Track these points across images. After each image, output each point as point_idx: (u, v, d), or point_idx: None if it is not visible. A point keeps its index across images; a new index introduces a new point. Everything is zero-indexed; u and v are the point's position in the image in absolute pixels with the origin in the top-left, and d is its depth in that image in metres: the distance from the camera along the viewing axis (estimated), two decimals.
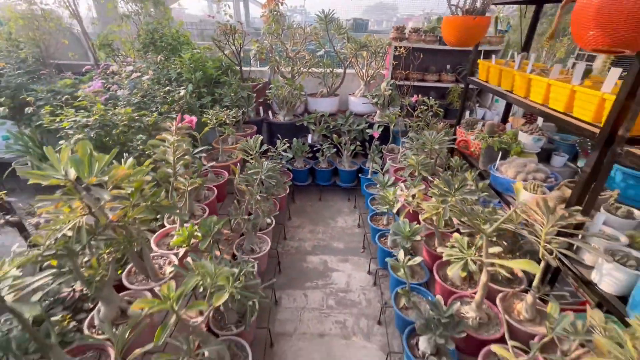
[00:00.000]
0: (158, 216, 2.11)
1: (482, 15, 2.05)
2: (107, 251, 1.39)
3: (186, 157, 1.72)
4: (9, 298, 0.98)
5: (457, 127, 2.98)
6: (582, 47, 1.20)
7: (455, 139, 2.83)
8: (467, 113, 3.20)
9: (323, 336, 2.15)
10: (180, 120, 1.74)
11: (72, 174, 1.21)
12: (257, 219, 2.31)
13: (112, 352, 1.30)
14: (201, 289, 1.34)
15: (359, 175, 3.63)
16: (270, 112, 3.94)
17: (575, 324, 1.18)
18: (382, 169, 3.28)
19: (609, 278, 1.38)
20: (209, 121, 2.79)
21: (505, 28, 3.63)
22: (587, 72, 1.67)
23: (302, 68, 3.88)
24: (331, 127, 3.71)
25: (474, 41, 2.16)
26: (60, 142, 1.96)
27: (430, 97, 3.39)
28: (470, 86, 3.09)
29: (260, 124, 3.88)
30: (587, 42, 1.16)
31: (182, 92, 2.97)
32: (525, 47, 2.60)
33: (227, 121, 2.96)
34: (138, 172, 1.36)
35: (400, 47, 3.84)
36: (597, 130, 1.42)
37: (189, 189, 1.94)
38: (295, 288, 2.53)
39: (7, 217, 2.06)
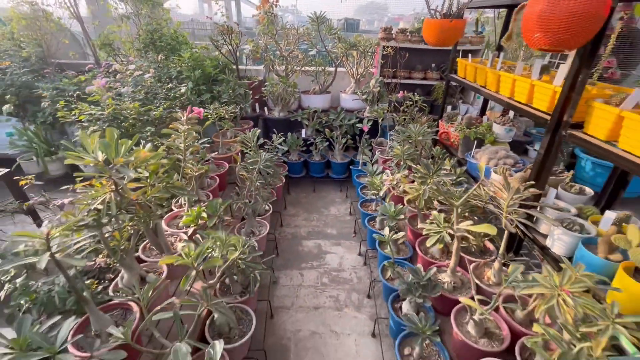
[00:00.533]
0: (171, 199, 2.31)
1: (458, 18, 2.29)
2: (130, 224, 1.60)
3: (195, 144, 1.92)
4: (58, 255, 1.18)
5: (440, 121, 3.24)
6: (530, 46, 1.44)
7: (437, 131, 3.08)
8: (449, 108, 3.46)
9: (318, 308, 2.38)
10: (190, 112, 1.95)
11: (101, 156, 1.41)
12: (256, 204, 2.52)
13: (136, 309, 1.51)
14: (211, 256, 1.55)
15: (350, 167, 3.87)
16: (265, 109, 4.14)
17: (525, 276, 1.42)
18: (371, 161, 3.52)
19: (558, 242, 1.64)
20: (209, 116, 2.99)
21: (480, 30, 3.90)
22: (545, 69, 1.93)
23: (295, 67, 4.10)
24: (324, 122, 3.93)
25: (451, 41, 2.40)
26: (76, 133, 2.15)
27: (416, 94, 3.63)
28: (452, 83, 3.35)
29: (256, 119, 4.09)
30: (533, 42, 1.41)
31: (183, 89, 3.16)
32: (499, 47, 2.86)
33: (226, 116, 3.16)
34: (156, 155, 1.57)
35: (388, 47, 4.09)
36: (549, 117, 1.68)
37: (196, 174, 2.14)
38: (292, 268, 2.76)
39: (30, 202, 2.23)
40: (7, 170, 2.37)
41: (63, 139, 3.90)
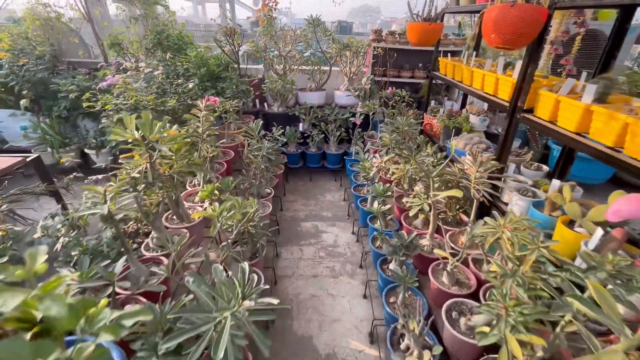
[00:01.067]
0: (190, 174, 2.60)
1: (437, 21, 2.64)
2: (159, 192, 1.89)
3: (211, 127, 2.23)
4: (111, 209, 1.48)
5: (424, 114, 3.59)
6: (489, 45, 1.79)
7: (422, 122, 3.42)
8: (433, 103, 3.81)
9: (316, 277, 2.69)
10: (207, 100, 2.25)
11: (137, 134, 1.71)
12: (260, 186, 2.83)
13: (166, 261, 1.80)
14: (225, 227, 1.86)
15: (344, 157, 4.20)
16: (265, 104, 4.45)
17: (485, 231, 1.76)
18: (363, 151, 3.85)
19: (516, 206, 1.98)
20: (216, 109, 3.29)
21: (462, 32, 4.27)
22: (508, 65, 2.28)
23: (293, 66, 4.42)
24: (319, 116, 4.26)
25: (431, 42, 2.75)
26: (103, 120, 2.44)
27: (405, 91, 3.98)
28: (436, 81, 3.70)
29: (257, 114, 4.40)
30: (490, 41, 1.75)
31: (191, 85, 3.45)
32: (476, 47, 3.22)
33: (231, 109, 3.46)
34: (181, 135, 1.87)
35: (378, 48, 4.43)
36: (508, 105, 2.02)
37: (210, 154, 2.44)
38: (292, 245, 3.06)
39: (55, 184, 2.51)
40: (36, 155, 2.64)
41: (75, 131, 4.16)
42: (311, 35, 4.35)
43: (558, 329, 1.13)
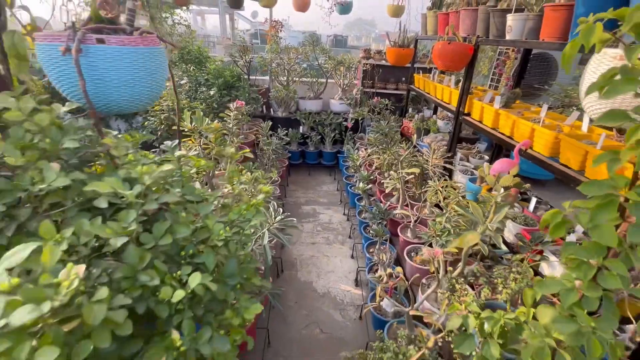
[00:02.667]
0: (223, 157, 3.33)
1: (408, 47, 3.45)
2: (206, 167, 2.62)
3: (239, 124, 2.97)
4: None
5: (404, 119, 4.38)
6: (438, 68, 2.58)
7: (400, 125, 4.21)
8: (410, 110, 4.61)
9: (314, 244, 3.41)
10: (237, 103, 3.01)
11: (189, 125, 2.44)
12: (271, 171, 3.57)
13: None
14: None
15: (338, 155, 4.96)
16: (271, 110, 5.22)
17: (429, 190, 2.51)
18: (353, 149, 4.62)
19: (460, 182, 2.74)
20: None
21: None
22: (458, 81, 3.08)
23: (295, 78, 5.21)
24: (317, 121, 5.03)
25: (405, 62, 3.55)
26: (150, 118, 3.17)
27: (389, 100, 4.77)
28: (412, 93, 4.51)
29: (264, 118, 5.15)
30: (438, 66, 2.54)
31: (212, 92, 4.21)
32: None
33: (244, 112, 4.21)
34: (220, 127, 2.61)
35: (367, 64, 5.25)
36: (455, 109, 2.81)
37: (236, 144, 3.18)
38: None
39: None
40: None
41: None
42: (311, 52, 5.15)
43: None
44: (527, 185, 2.42)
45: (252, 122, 4.93)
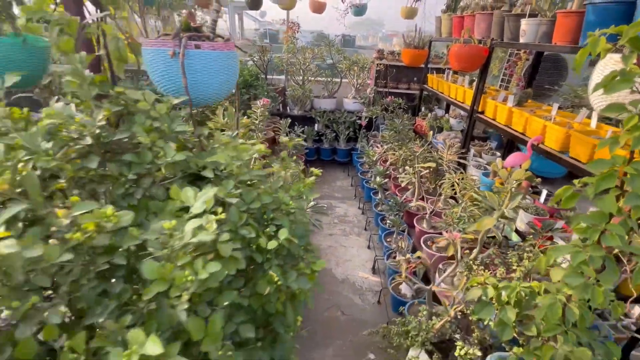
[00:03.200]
0: None
1: (423, 48, 3.62)
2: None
3: (264, 120, 3.17)
4: None
5: (417, 117, 4.55)
6: (453, 69, 2.74)
7: (414, 123, 4.38)
8: (422, 109, 4.77)
9: (332, 235, 3.60)
10: (263, 101, 3.20)
11: (222, 120, 2.64)
12: None
13: None
14: None
15: (352, 152, 5.13)
16: (287, 108, 5.42)
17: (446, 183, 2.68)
18: (368, 146, 4.80)
19: (475, 176, 2.90)
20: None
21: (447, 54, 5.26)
22: (472, 81, 3.23)
23: (310, 77, 5.40)
24: (331, 119, 5.21)
25: (420, 63, 3.71)
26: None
27: (401, 99, 4.94)
28: (425, 92, 4.67)
29: (280, 116, 5.35)
30: (454, 67, 2.71)
31: (233, 91, 4.41)
32: None
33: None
34: (248, 122, 2.81)
35: (380, 64, 5.42)
36: (469, 108, 2.97)
37: (261, 139, 3.38)
38: None
39: None
40: None
41: None
42: (326, 52, 5.34)
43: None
44: (538, 180, 2.59)
45: (270, 119, 5.12)
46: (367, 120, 4.97)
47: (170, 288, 0.64)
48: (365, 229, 3.71)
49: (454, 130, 3.96)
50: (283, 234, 0.84)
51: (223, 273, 0.68)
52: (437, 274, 2.32)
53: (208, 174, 0.88)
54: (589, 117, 2.05)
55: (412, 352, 1.80)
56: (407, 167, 3.32)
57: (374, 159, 3.76)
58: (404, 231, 2.89)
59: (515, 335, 1.40)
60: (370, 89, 5.15)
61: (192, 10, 4.15)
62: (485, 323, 1.65)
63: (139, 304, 0.64)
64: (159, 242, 0.65)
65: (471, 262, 1.87)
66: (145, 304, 0.63)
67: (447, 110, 4.61)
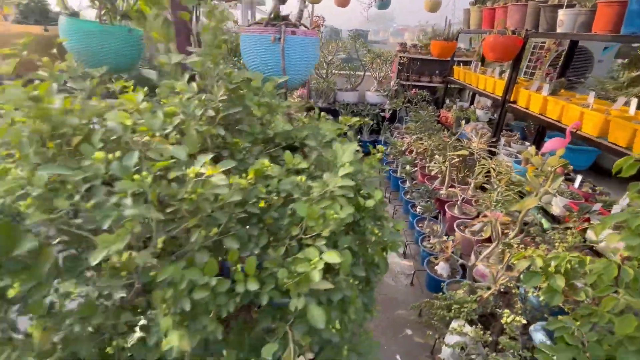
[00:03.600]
0: None
1: (452, 40, 3.69)
2: None
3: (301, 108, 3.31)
4: None
5: (441, 109, 4.62)
6: (488, 60, 2.82)
7: (438, 115, 4.46)
8: (447, 101, 4.84)
9: None
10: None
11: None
12: None
13: None
14: None
15: (375, 144, 5.24)
16: (311, 100, 5.54)
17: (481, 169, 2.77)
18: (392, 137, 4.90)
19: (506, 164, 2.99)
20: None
21: (469, 47, 5.31)
22: (502, 72, 3.30)
23: (333, 70, 5.50)
24: (354, 112, 5.32)
25: (448, 55, 3.79)
26: None
27: (424, 92, 5.01)
28: (450, 85, 4.73)
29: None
30: (489, 57, 2.79)
31: None
32: (482, 59, 4.24)
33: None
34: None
35: (404, 57, 5.49)
36: (500, 98, 3.05)
37: None
38: None
39: None
40: None
41: None
42: (350, 46, 5.43)
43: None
44: (570, 167, 2.67)
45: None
46: (390, 112, 5.06)
47: (305, 230, 0.77)
48: (393, 217, 3.83)
49: (480, 121, 4.03)
50: (378, 194, 0.97)
51: (350, 216, 0.81)
52: (472, 255, 2.43)
53: (311, 142, 1.01)
54: (627, 104, 2.12)
55: (454, 324, 1.92)
56: (436, 157, 3.42)
57: (402, 149, 3.86)
58: (436, 217, 2.99)
59: (559, 305, 1.51)
60: (394, 81, 5.23)
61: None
62: (529, 294, 1.77)
63: (284, 240, 0.78)
64: (300, 190, 0.78)
65: (510, 241, 1.98)
66: (287, 242, 0.77)
67: (471, 102, 4.67)
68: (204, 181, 0.67)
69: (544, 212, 2.43)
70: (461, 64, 4.30)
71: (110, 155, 0.63)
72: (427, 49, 5.56)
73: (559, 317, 1.46)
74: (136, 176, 0.58)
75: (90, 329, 0.65)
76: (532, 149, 2.69)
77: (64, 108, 0.70)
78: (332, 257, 0.64)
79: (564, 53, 4.47)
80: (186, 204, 0.66)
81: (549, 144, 2.19)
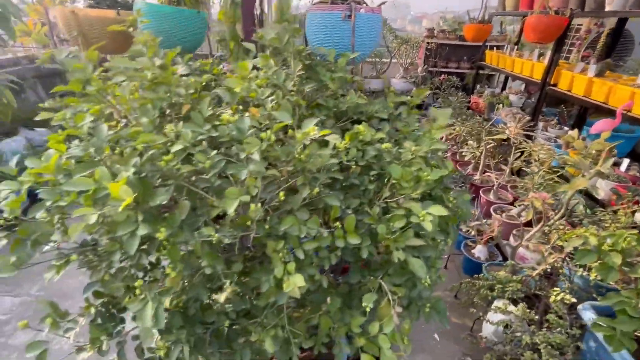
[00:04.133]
0: None
1: (487, 23, 3.60)
2: None
3: None
4: None
5: (471, 95, 4.54)
6: (528, 40, 2.75)
7: (469, 101, 4.38)
8: (478, 87, 4.75)
9: None
10: None
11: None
12: None
13: None
14: None
15: None
16: None
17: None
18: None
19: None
20: None
21: (504, 30, 5.15)
22: (540, 55, 3.21)
23: None
24: None
25: (483, 39, 3.70)
26: None
27: (453, 78, 4.92)
28: (481, 71, 4.63)
29: None
30: (530, 38, 2.72)
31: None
32: (517, 42, 4.12)
33: None
34: None
35: (431, 43, 5.39)
36: (539, 81, 2.98)
37: None
38: None
39: None
40: None
41: None
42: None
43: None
44: (615, 151, 2.60)
45: None
46: None
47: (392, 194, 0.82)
48: None
49: (514, 106, 3.95)
50: (450, 164, 1.00)
51: (441, 179, 0.86)
52: (512, 238, 2.43)
53: (383, 115, 1.05)
54: None
55: (497, 303, 1.95)
56: (469, 142, 3.39)
57: None
58: (472, 202, 2.99)
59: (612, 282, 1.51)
60: (421, 68, 5.16)
61: None
62: (577, 274, 1.77)
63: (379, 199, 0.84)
64: (391, 154, 0.83)
65: (557, 222, 1.97)
66: (377, 203, 0.83)
67: (503, 88, 4.56)
68: (310, 144, 0.72)
69: (587, 195, 2.40)
70: (494, 49, 4.20)
71: (231, 118, 0.69)
72: (456, 34, 5.45)
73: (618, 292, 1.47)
74: (263, 134, 0.64)
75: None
76: (575, 132, 2.64)
77: (179, 77, 0.76)
78: (439, 210, 0.69)
79: (603, 34, 4.30)
80: (295, 164, 0.72)
81: (598, 124, 2.15)
